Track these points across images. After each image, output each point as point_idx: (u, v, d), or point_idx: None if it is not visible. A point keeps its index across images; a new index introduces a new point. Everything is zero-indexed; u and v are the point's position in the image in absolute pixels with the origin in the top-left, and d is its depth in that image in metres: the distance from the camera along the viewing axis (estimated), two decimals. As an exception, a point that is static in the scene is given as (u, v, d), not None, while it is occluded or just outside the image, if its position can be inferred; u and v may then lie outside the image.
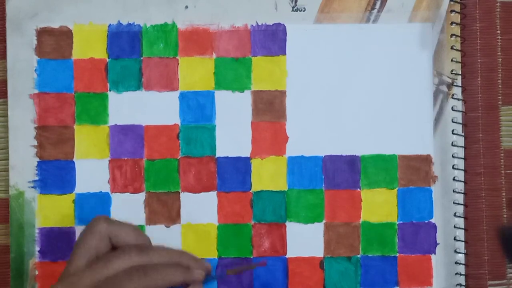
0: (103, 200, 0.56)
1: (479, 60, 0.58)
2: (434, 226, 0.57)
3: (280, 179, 0.57)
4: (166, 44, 0.57)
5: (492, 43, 0.58)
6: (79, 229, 0.55)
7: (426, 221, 0.57)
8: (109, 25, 0.57)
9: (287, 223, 0.57)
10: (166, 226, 0.57)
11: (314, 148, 0.57)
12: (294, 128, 0.57)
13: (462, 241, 0.57)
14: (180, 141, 0.57)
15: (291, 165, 0.57)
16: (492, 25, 0.59)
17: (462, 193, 0.57)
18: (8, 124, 0.57)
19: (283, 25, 0.57)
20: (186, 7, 0.57)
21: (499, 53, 0.59)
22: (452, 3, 0.57)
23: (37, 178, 0.56)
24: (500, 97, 0.59)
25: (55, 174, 0.57)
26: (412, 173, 0.57)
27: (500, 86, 0.59)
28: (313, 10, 0.57)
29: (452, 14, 0.57)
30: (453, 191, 0.57)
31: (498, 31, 0.59)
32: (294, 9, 0.57)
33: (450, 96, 0.57)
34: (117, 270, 0.48)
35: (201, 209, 0.57)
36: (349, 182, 0.57)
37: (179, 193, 0.57)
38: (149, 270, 0.49)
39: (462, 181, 0.57)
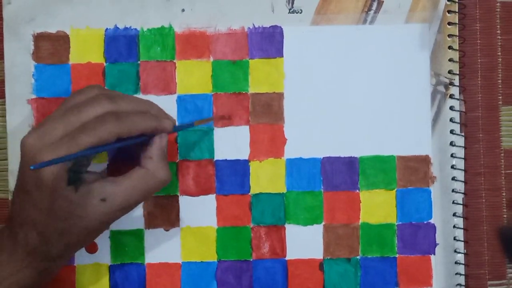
0: (102, 204, 0.57)
1: (479, 60, 0.58)
2: (433, 227, 0.57)
3: (279, 181, 0.57)
4: (163, 48, 0.57)
5: (492, 43, 0.58)
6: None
7: (425, 222, 0.57)
8: (106, 29, 0.57)
9: (286, 225, 0.57)
10: (165, 230, 0.57)
11: (312, 150, 0.57)
12: (292, 130, 0.57)
13: (462, 241, 0.57)
14: (178, 145, 0.57)
15: (289, 167, 0.57)
16: (492, 25, 0.58)
17: (462, 193, 0.57)
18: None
19: (280, 27, 0.57)
20: (183, 10, 0.57)
21: (499, 53, 0.58)
22: (449, 3, 0.57)
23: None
24: (500, 97, 0.58)
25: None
26: (411, 173, 0.57)
27: (500, 86, 0.58)
28: (310, 11, 0.57)
29: (449, 15, 0.57)
30: (452, 191, 0.57)
31: (498, 31, 0.58)
32: (290, 11, 0.57)
33: (448, 96, 0.57)
34: (90, 117, 0.48)
35: (200, 212, 0.57)
36: (347, 183, 0.57)
37: (178, 196, 0.57)
38: (122, 115, 0.48)
39: (461, 181, 0.57)
